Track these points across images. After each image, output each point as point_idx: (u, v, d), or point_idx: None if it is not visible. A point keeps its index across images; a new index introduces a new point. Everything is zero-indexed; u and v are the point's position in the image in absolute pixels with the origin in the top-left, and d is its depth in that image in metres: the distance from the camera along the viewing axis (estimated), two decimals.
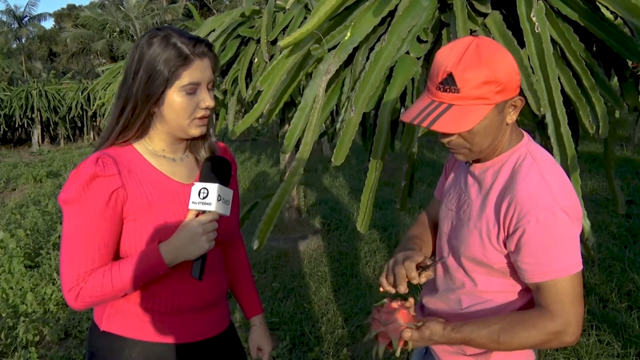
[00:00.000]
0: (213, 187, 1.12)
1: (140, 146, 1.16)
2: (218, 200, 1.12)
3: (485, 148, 1.06)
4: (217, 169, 1.17)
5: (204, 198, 1.11)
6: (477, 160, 1.13)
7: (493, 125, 1.03)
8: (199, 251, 1.11)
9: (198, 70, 1.10)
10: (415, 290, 2.88)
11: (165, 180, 1.16)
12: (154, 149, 1.17)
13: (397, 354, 1.10)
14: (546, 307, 1.00)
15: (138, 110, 1.11)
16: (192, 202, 1.12)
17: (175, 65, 1.08)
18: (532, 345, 1.03)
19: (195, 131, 1.15)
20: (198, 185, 1.13)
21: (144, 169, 1.14)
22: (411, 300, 1.18)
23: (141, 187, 1.12)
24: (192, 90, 1.11)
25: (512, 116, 1.05)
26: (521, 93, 1.02)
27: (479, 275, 1.11)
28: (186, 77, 1.09)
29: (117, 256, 1.14)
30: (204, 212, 1.12)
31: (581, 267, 1.00)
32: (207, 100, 1.13)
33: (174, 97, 1.10)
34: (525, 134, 1.12)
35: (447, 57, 0.99)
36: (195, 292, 1.19)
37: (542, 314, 1.00)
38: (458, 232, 1.14)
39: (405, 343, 1.09)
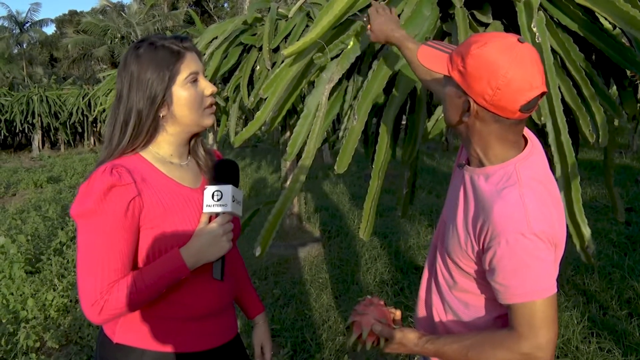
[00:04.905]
0: (227, 189, 1.14)
1: (147, 154, 1.17)
2: (232, 201, 1.14)
3: (453, 124, 1.09)
4: (227, 171, 1.19)
5: (218, 200, 1.13)
6: (470, 164, 1.13)
7: (453, 104, 1.06)
8: (220, 252, 1.13)
9: (192, 61, 1.14)
10: (409, 303, 2.87)
11: (176, 186, 1.17)
12: (161, 155, 1.18)
13: (368, 347, 1.13)
14: (515, 328, 0.99)
15: (144, 117, 1.12)
16: (207, 205, 1.14)
17: (172, 62, 1.12)
18: None
19: (208, 121, 1.18)
20: (211, 189, 1.15)
21: (155, 177, 1.14)
22: (398, 312, 1.20)
23: (155, 195, 1.12)
24: (193, 79, 1.14)
25: (485, 126, 1.04)
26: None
27: (458, 275, 1.14)
28: (185, 69, 1.13)
29: (134, 266, 1.13)
30: (217, 214, 1.14)
31: (554, 291, 0.98)
32: (209, 86, 1.17)
33: (181, 92, 1.13)
34: (526, 148, 1.08)
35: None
36: (214, 295, 1.21)
37: (510, 335, 0.99)
38: (447, 229, 1.16)
39: (378, 341, 1.12)
